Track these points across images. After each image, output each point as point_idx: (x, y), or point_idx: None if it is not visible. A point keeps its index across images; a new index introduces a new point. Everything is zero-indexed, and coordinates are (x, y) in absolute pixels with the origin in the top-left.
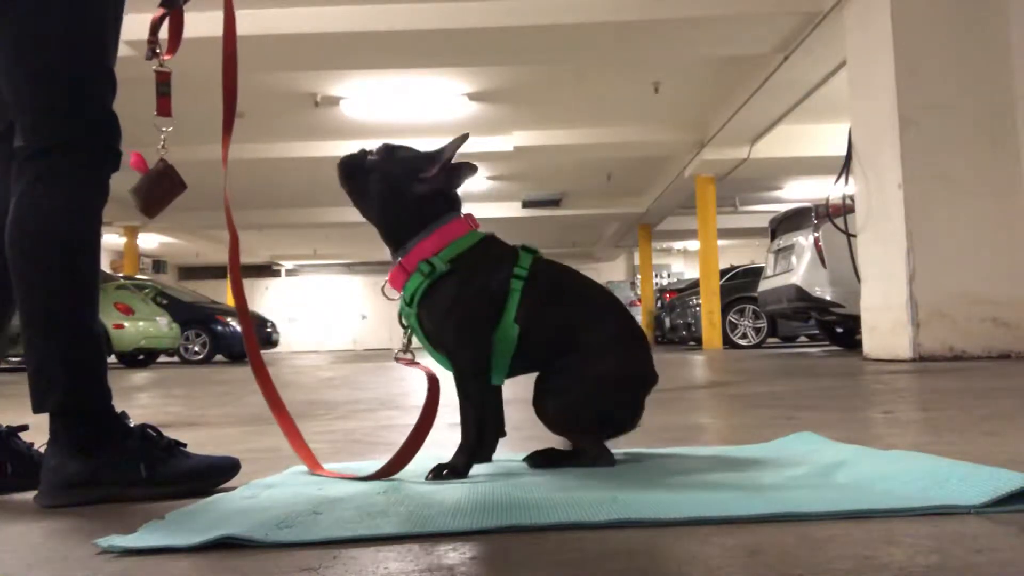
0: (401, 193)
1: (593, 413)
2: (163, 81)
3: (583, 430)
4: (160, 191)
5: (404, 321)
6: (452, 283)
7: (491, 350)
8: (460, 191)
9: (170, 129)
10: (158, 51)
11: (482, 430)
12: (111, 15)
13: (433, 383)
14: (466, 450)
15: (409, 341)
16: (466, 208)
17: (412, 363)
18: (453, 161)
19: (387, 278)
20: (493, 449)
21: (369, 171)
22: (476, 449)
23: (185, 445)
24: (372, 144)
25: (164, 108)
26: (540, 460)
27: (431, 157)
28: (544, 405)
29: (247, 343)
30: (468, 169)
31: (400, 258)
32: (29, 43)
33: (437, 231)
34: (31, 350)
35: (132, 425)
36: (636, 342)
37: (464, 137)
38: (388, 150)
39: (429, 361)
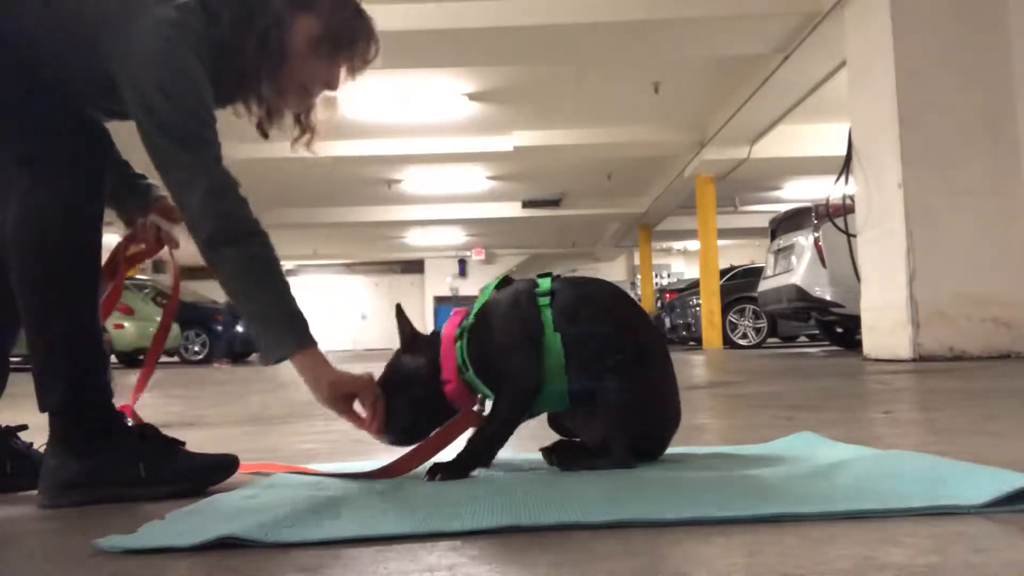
0: (430, 394)
1: (638, 420)
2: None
3: (622, 431)
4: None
5: (473, 388)
6: (482, 327)
7: (538, 366)
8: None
9: None
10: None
11: (495, 446)
12: None
13: (472, 418)
14: (470, 454)
15: (483, 405)
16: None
17: None
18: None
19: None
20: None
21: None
22: (481, 458)
23: (184, 444)
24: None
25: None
26: (563, 459)
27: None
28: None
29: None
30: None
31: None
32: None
33: (448, 321)
34: (32, 350)
35: (130, 424)
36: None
37: (398, 312)
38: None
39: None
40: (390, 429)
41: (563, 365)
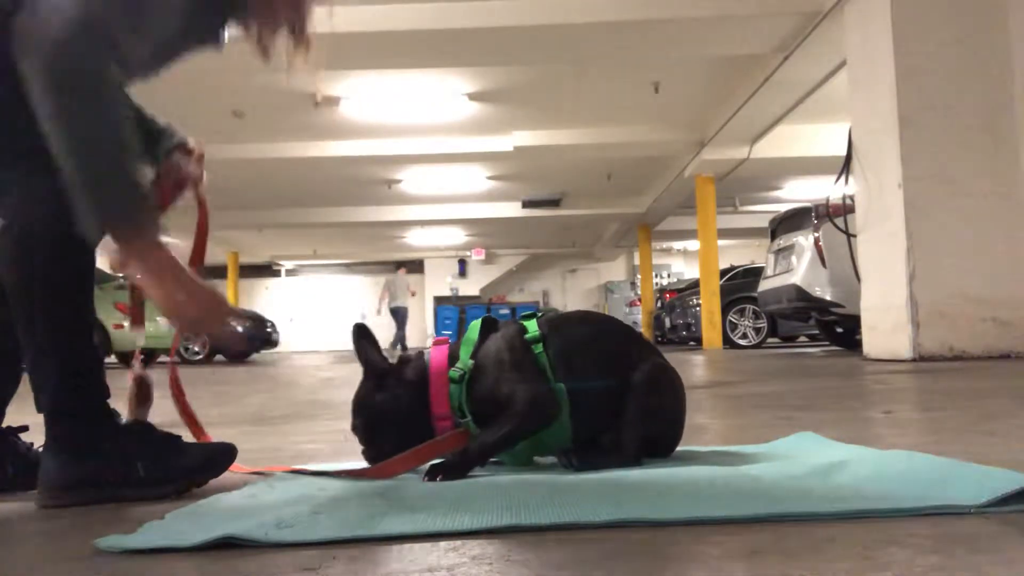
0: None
1: (650, 426)
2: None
3: (635, 432)
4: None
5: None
6: (486, 367)
7: (553, 392)
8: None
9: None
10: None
11: (492, 452)
12: None
13: (463, 437)
14: (471, 456)
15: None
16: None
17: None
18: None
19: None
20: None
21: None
22: (482, 461)
23: (180, 437)
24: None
25: (137, 319)
26: (579, 459)
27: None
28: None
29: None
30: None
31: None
32: None
33: (434, 352)
34: (25, 349)
35: (122, 423)
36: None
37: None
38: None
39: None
40: (374, 455)
41: (568, 410)
